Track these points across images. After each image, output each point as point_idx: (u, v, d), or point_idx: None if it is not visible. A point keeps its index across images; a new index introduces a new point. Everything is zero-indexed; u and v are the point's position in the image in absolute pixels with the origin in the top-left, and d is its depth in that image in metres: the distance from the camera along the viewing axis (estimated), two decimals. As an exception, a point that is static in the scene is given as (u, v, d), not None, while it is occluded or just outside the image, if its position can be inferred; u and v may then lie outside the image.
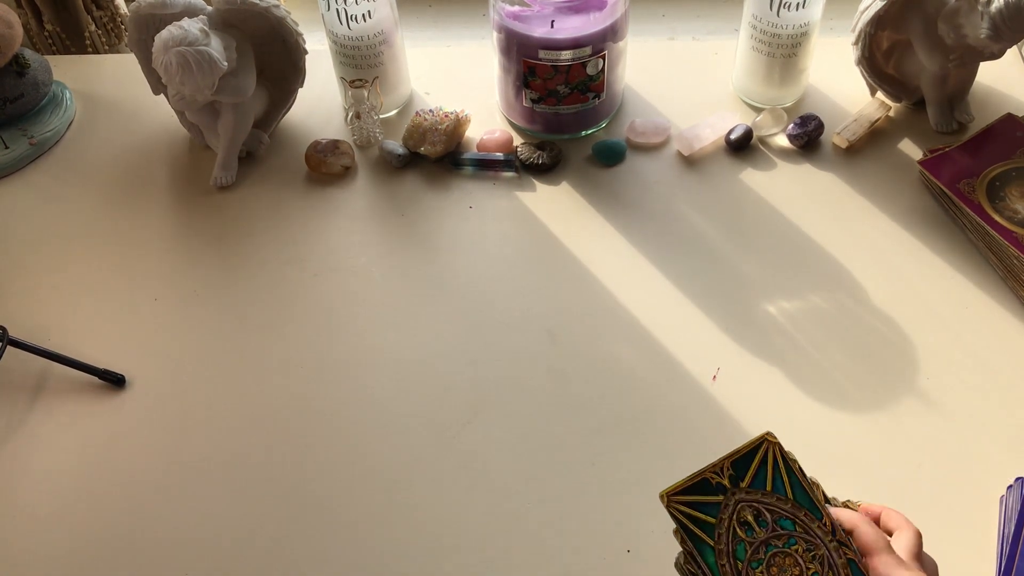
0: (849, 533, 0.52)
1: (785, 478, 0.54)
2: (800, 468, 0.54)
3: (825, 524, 0.52)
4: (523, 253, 0.80)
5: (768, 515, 0.52)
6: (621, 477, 0.65)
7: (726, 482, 0.53)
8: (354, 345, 0.74)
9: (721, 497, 0.52)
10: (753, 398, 0.69)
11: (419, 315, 0.76)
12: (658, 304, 0.75)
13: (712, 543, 0.51)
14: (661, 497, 0.52)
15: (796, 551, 0.52)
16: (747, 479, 0.53)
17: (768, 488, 0.53)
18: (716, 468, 0.53)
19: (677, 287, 0.76)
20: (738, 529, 0.52)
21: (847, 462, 0.65)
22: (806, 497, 0.53)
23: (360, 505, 0.65)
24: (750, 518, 0.52)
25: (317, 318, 0.76)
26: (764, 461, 0.54)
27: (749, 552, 0.51)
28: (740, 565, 0.51)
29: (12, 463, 0.69)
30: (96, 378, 0.72)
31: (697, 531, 0.52)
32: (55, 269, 0.82)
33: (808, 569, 0.51)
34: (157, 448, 0.69)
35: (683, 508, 0.52)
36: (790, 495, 0.53)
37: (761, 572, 0.51)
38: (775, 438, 0.55)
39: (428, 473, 0.67)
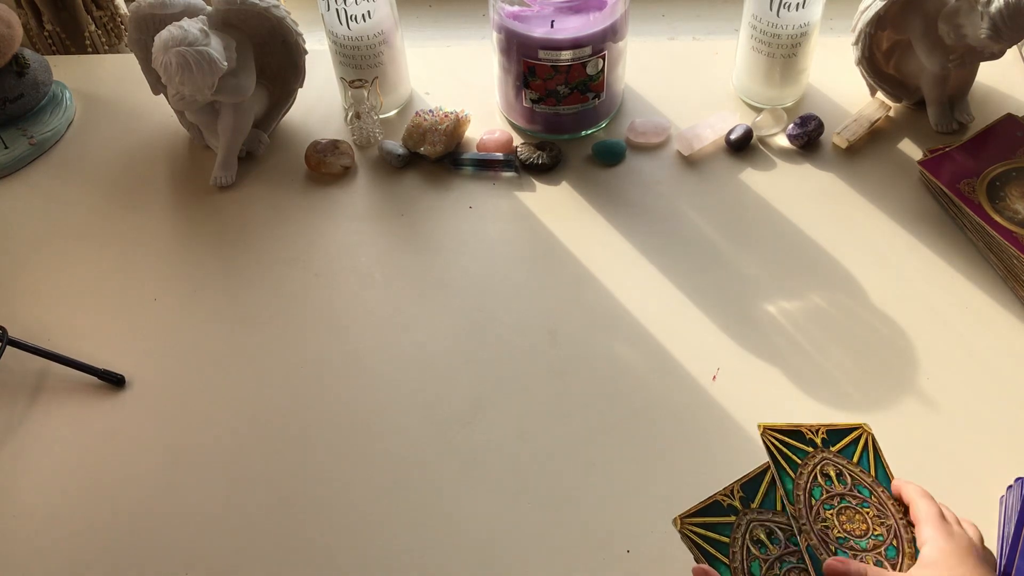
0: (907, 505, 0.55)
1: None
2: None
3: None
4: (523, 253, 0.80)
5: (780, 533, 0.53)
6: (621, 477, 0.65)
7: (737, 504, 0.54)
8: (353, 345, 0.74)
9: (733, 518, 0.54)
10: (753, 398, 0.69)
11: (419, 315, 0.76)
12: (658, 304, 0.75)
13: (727, 561, 0.53)
14: (674, 522, 0.54)
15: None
16: (757, 500, 0.55)
17: (778, 508, 0.54)
18: (727, 491, 0.55)
19: (677, 287, 0.76)
20: (751, 547, 0.53)
21: (847, 462, 0.65)
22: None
23: (360, 505, 0.65)
24: (763, 536, 0.54)
25: (317, 318, 0.76)
26: (772, 484, 0.56)
27: (764, 568, 0.53)
28: None
29: (12, 463, 0.69)
30: (96, 378, 0.72)
31: (712, 550, 0.53)
32: (55, 269, 0.82)
33: None
34: (157, 448, 0.69)
35: (696, 530, 0.54)
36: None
37: None
38: None
39: (428, 473, 0.66)
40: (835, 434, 0.57)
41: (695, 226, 0.81)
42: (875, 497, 0.55)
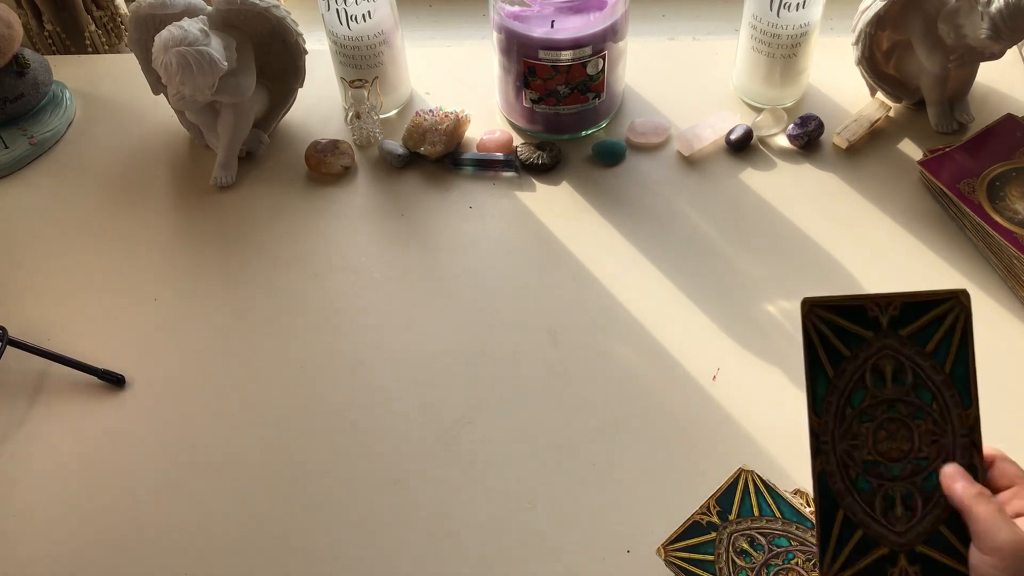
0: (991, 464, 0.45)
1: (770, 500, 0.55)
2: (779, 489, 0.56)
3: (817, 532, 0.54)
4: (523, 253, 0.80)
5: (762, 538, 0.54)
6: (621, 477, 0.65)
7: (715, 519, 0.55)
8: (354, 345, 0.74)
9: (713, 534, 0.54)
10: (753, 398, 0.69)
11: (419, 315, 0.76)
12: (658, 304, 0.75)
13: None
14: (659, 551, 0.54)
15: (796, 564, 0.53)
16: (734, 511, 0.55)
17: (756, 514, 0.54)
18: (703, 509, 0.55)
19: (677, 287, 0.76)
20: (736, 559, 0.54)
21: (847, 462, 0.65)
22: (793, 512, 0.55)
23: (360, 505, 0.65)
24: (745, 545, 0.54)
25: (317, 318, 0.76)
26: (746, 491, 0.56)
27: None
28: None
29: (12, 463, 0.69)
30: (96, 378, 0.72)
31: (699, 571, 0.53)
32: (55, 270, 0.82)
33: None
34: (157, 448, 0.69)
35: (681, 554, 0.54)
36: (778, 514, 0.55)
37: None
38: (749, 468, 0.57)
39: (428, 473, 0.67)
40: (725, 498, 0.53)
41: (695, 226, 0.81)
42: (794, 540, 0.52)
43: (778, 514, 0.55)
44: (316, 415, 0.70)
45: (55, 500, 0.67)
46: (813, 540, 0.53)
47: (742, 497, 0.55)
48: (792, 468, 0.64)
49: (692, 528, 0.54)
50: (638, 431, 0.67)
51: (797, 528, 0.54)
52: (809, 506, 0.59)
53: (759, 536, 0.54)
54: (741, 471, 0.57)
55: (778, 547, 0.53)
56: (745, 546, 0.54)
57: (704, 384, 0.70)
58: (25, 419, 0.71)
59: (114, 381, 0.73)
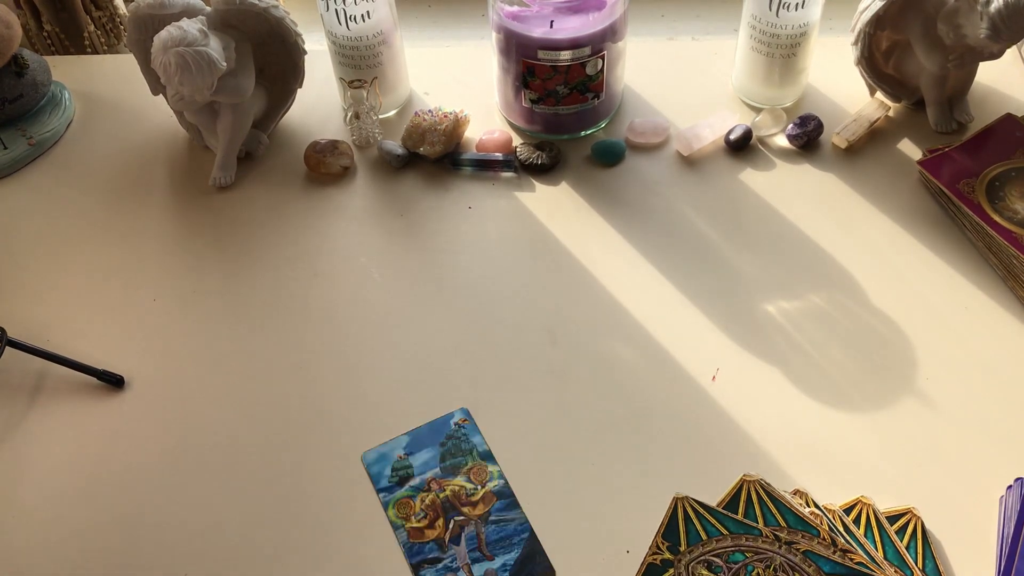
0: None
1: (712, 520, 0.56)
2: (713, 507, 0.57)
3: (767, 536, 0.55)
4: (523, 253, 0.80)
5: (718, 559, 0.54)
6: (621, 477, 0.65)
7: (667, 555, 0.55)
8: (353, 345, 0.74)
9: (671, 570, 0.55)
10: (753, 398, 0.69)
11: (418, 315, 0.76)
12: (658, 304, 0.75)
13: None
14: None
15: (758, 574, 0.53)
16: (682, 541, 0.56)
17: (704, 538, 0.55)
18: (653, 549, 0.56)
19: (677, 287, 0.76)
20: None
21: (847, 462, 0.65)
22: (737, 524, 0.56)
23: (360, 504, 0.65)
24: (704, 571, 0.54)
25: (316, 318, 0.76)
26: (687, 518, 0.57)
27: None
28: None
29: (12, 463, 0.69)
30: (95, 379, 0.72)
31: None
32: (55, 269, 0.82)
33: None
34: (156, 448, 0.69)
35: None
36: (724, 531, 0.55)
37: None
38: (682, 494, 0.58)
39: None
40: (670, 532, 0.56)
41: (695, 226, 0.81)
42: (747, 551, 0.55)
43: (724, 531, 0.56)
44: (315, 414, 0.70)
45: (55, 500, 0.67)
46: (764, 544, 0.54)
47: (686, 526, 0.56)
48: (791, 468, 0.64)
49: (649, 571, 0.55)
50: (638, 431, 0.67)
51: (747, 539, 0.55)
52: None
53: (715, 559, 0.54)
54: (675, 501, 0.58)
55: (736, 562, 0.54)
56: (704, 572, 0.54)
57: (704, 384, 0.70)
58: (24, 419, 0.71)
59: (113, 381, 0.73)
